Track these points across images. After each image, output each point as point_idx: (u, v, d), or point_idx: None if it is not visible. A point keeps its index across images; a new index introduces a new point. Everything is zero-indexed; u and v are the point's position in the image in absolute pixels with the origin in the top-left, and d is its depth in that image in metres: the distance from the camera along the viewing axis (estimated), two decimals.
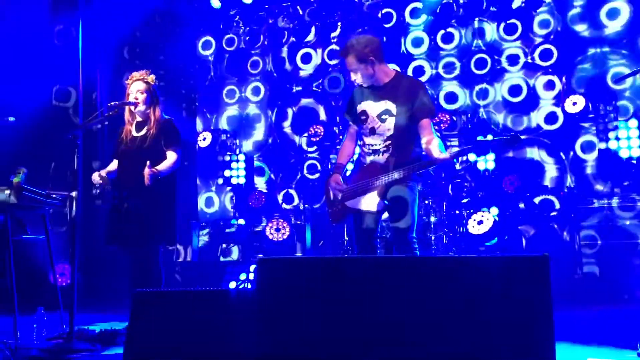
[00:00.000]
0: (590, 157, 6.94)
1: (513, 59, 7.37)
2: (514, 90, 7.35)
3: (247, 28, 8.46)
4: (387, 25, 7.79)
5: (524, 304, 2.09)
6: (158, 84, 4.26)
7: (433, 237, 5.87)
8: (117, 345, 3.66)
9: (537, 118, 7.25)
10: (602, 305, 5.28)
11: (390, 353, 2.09)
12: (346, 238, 6.41)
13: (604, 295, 5.62)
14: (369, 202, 3.61)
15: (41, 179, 4.75)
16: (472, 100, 7.47)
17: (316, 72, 8.21)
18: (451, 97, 7.55)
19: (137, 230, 3.97)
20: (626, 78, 5.61)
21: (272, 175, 8.28)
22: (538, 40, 7.29)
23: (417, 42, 7.75)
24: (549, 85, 7.24)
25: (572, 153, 7.07)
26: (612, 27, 6.93)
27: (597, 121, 6.63)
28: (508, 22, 7.37)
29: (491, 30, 7.49)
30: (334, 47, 8.09)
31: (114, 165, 4.31)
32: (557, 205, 6.60)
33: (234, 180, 8.02)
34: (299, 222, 7.35)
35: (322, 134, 7.76)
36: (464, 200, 6.40)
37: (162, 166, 4.02)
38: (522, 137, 3.40)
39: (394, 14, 7.78)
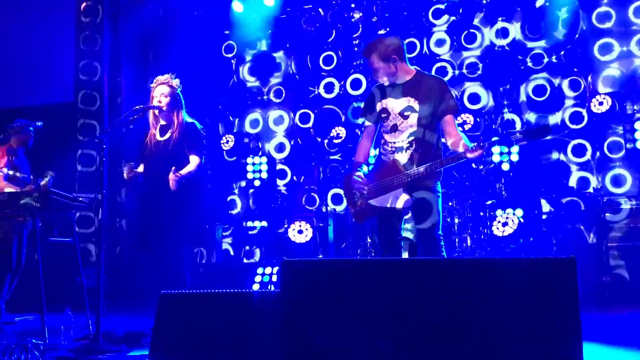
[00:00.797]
0: (617, 157, 6.83)
1: (537, 59, 7.28)
2: (539, 90, 7.26)
3: (269, 31, 8.49)
4: (408, 27, 7.76)
5: (551, 307, 2.06)
6: (182, 87, 4.30)
7: (457, 239, 5.83)
8: (142, 347, 3.69)
9: (562, 118, 7.15)
10: (630, 307, 5.19)
11: (416, 356, 2.08)
12: (369, 240, 6.40)
13: (631, 297, 5.52)
14: (395, 199, 3.59)
15: (68, 182, 4.83)
16: (495, 101, 7.40)
17: (338, 73, 8.21)
18: (474, 98, 7.48)
19: (162, 233, 4.01)
20: None
21: (294, 177, 8.29)
22: (562, 39, 7.19)
23: (440, 43, 7.71)
24: (574, 85, 7.14)
25: (598, 153, 6.96)
26: None
27: (623, 121, 6.52)
28: (531, 21, 7.29)
29: (515, 30, 7.41)
30: (355, 48, 8.09)
31: (140, 168, 4.36)
32: (583, 207, 6.50)
33: (256, 183, 8.06)
34: (321, 224, 7.34)
35: (344, 135, 7.75)
36: (489, 202, 6.34)
37: (185, 170, 4.06)
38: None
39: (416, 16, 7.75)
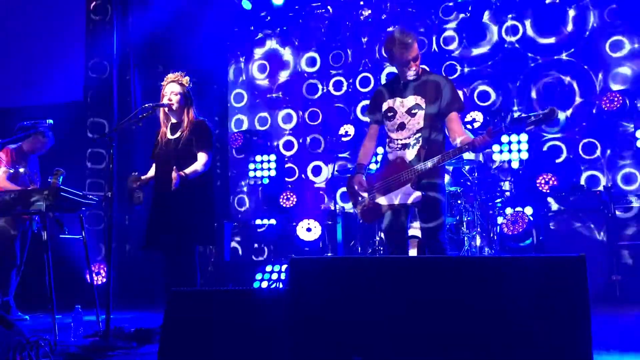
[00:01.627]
0: (628, 155, 6.78)
1: (547, 56, 7.25)
2: (549, 87, 7.22)
3: (278, 29, 8.50)
4: (418, 24, 7.74)
5: (560, 306, 2.05)
6: (192, 85, 4.31)
7: (466, 238, 5.81)
8: (152, 344, 3.71)
9: (572, 116, 7.11)
10: None
11: (424, 355, 2.08)
12: (377, 238, 6.39)
13: None
14: (403, 196, 3.59)
15: (78, 180, 4.86)
16: (505, 99, 7.37)
17: (347, 71, 8.20)
18: (484, 96, 7.45)
19: (174, 232, 4.02)
20: None
21: (303, 175, 8.30)
22: (572, 36, 7.15)
23: (449, 41, 7.68)
24: (585, 82, 7.10)
25: (609, 151, 6.92)
26: None
27: (634, 118, 6.47)
28: (541, 18, 7.25)
29: (524, 27, 7.37)
30: (364, 46, 8.08)
31: (153, 170, 4.36)
32: (593, 205, 6.45)
33: (265, 181, 8.08)
34: (329, 222, 7.35)
35: (352, 134, 7.75)
36: (498, 200, 6.31)
37: (192, 169, 4.04)
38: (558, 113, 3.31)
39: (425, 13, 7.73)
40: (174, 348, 2.52)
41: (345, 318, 2.16)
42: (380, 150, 5.62)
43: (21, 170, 5.02)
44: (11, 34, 7.38)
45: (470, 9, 7.53)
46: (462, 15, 7.59)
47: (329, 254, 6.98)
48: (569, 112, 7.12)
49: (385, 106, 3.75)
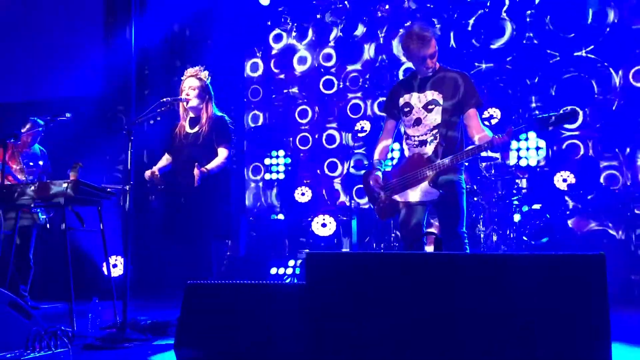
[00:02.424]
0: None
1: (567, 53, 7.16)
2: (568, 84, 7.14)
3: (295, 24, 8.49)
4: (435, 20, 7.70)
5: (579, 305, 2.03)
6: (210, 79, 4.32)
7: (482, 235, 5.78)
8: (168, 336, 3.74)
9: (591, 113, 7.03)
10: None
11: (441, 351, 2.07)
12: (392, 234, 6.38)
13: None
14: (420, 193, 3.57)
15: (96, 174, 4.90)
16: (523, 95, 7.30)
17: (363, 67, 8.18)
18: (502, 92, 7.39)
19: (192, 225, 4.05)
20: None
21: (318, 171, 8.30)
22: (592, 32, 7.06)
23: (467, 37, 7.63)
24: (604, 79, 7.01)
25: (628, 149, 6.83)
26: None
27: None
28: (561, 14, 7.17)
29: (544, 23, 7.29)
30: (381, 41, 8.06)
31: (164, 160, 4.40)
32: (611, 203, 6.38)
33: (280, 176, 8.10)
34: (344, 218, 7.35)
35: (368, 129, 7.74)
36: (514, 198, 6.27)
37: (213, 164, 4.09)
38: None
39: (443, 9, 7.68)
40: (189, 340, 2.54)
41: (361, 313, 2.16)
42: (396, 146, 5.60)
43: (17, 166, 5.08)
44: (33, 29, 7.45)
45: (488, 4, 7.47)
46: (480, 11, 7.52)
47: (345, 250, 6.97)
48: (588, 109, 7.04)
49: (401, 101, 3.73)
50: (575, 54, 7.12)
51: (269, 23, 8.65)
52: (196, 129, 4.24)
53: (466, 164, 3.74)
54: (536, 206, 6.18)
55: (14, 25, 7.49)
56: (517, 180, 6.62)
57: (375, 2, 8.08)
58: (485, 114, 6.93)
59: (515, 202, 6.30)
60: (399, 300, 2.14)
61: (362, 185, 3.96)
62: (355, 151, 8.01)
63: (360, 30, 8.18)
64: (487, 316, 2.08)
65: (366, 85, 8.12)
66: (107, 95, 7.32)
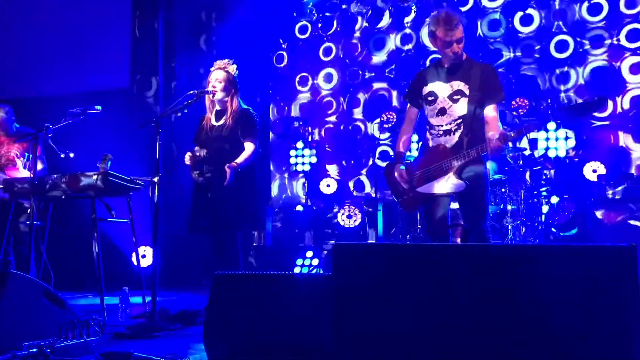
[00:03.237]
0: None
1: (597, 41, 7.02)
2: (598, 73, 7.00)
3: (320, 15, 8.47)
4: (463, 9, 7.61)
5: (609, 297, 2.00)
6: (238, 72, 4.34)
7: (510, 226, 5.72)
8: (196, 325, 3.79)
9: (622, 102, 6.89)
10: None
11: (469, 345, 2.06)
12: (418, 226, 6.35)
13: None
14: (445, 184, 3.53)
15: (125, 165, 4.97)
16: (552, 85, 7.19)
17: (389, 57, 8.13)
18: (530, 81, 7.28)
19: (219, 217, 4.09)
20: None
21: (344, 162, 8.29)
22: (622, 20, 6.90)
23: (494, 25, 7.52)
24: (635, 67, 6.86)
25: None
26: None
27: None
28: (592, 1, 7.02)
29: (573, 11, 7.16)
30: (407, 31, 7.99)
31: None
32: None
33: (306, 167, 8.12)
34: (370, 209, 7.34)
35: (394, 120, 7.69)
36: (543, 189, 6.19)
37: (241, 158, 4.13)
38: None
39: None
40: (217, 329, 2.57)
41: (388, 305, 2.16)
42: (414, 137, 5.57)
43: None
44: (60, 23, 7.56)
45: None
46: None
47: (371, 241, 6.97)
48: (618, 98, 6.90)
49: (425, 90, 3.69)
50: (606, 41, 6.97)
51: (295, 14, 8.64)
52: (222, 121, 4.27)
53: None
54: (565, 197, 6.08)
55: (42, 19, 7.60)
56: (545, 171, 6.53)
57: None
58: (513, 104, 6.85)
59: (544, 194, 6.21)
60: (426, 292, 2.14)
61: (385, 177, 3.93)
62: (381, 142, 7.98)
63: (386, 20, 8.12)
64: (514, 307, 2.07)
65: (391, 76, 8.07)
66: (134, 88, 7.40)
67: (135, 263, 4.72)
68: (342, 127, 8.36)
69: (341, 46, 8.43)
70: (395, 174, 3.74)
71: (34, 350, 2.57)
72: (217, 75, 4.26)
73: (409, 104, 3.85)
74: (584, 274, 2.06)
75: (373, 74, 8.22)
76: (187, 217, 4.34)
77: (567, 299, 2.05)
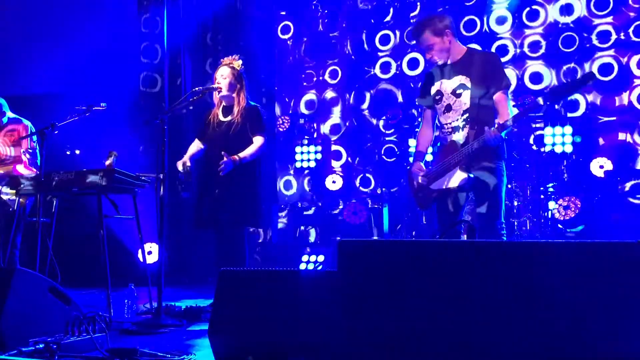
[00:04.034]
0: None
1: (604, 36, 6.97)
2: (605, 69, 6.95)
3: (326, 11, 8.45)
4: (468, 4, 7.56)
5: (617, 294, 1.99)
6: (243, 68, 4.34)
7: (516, 222, 5.70)
8: (202, 322, 3.80)
9: (629, 99, 6.84)
10: None
11: (476, 340, 2.06)
12: (424, 222, 6.34)
13: None
14: (452, 179, 3.55)
15: (131, 162, 4.98)
16: (559, 80, 7.14)
17: (395, 53, 8.10)
18: (537, 77, 7.24)
19: (225, 214, 4.10)
20: None
21: (349, 159, 8.28)
22: (632, 14, 6.85)
23: (501, 21, 7.48)
24: None
25: None
26: None
27: None
28: None
29: (580, 6, 7.11)
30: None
31: (194, 147, 4.44)
32: None
33: (311, 164, 8.11)
34: (376, 206, 7.32)
35: (400, 116, 7.67)
36: (549, 185, 6.15)
37: (248, 151, 4.13)
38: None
39: None
40: (223, 326, 2.57)
41: (394, 301, 2.15)
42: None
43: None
44: (63, 22, 7.57)
45: None
46: None
47: (376, 238, 6.96)
48: (625, 94, 6.85)
49: (433, 90, 3.73)
50: (613, 37, 6.92)
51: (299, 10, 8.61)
52: (229, 117, 4.27)
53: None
54: (572, 194, 6.04)
55: (50, 18, 7.61)
56: (552, 167, 6.49)
57: None
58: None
59: (551, 189, 6.19)
60: (433, 288, 2.13)
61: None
62: (387, 138, 7.96)
63: (391, 16, 8.08)
64: (523, 304, 2.05)
65: (397, 72, 8.04)
66: (140, 85, 7.41)
67: (141, 260, 4.71)
68: (347, 124, 8.34)
69: (347, 42, 8.39)
70: (413, 170, 3.79)
71: (41, 346, 2.58)
72: (222, 72, 4.26)
73: (423, 107, 3.90)
74: (593, 271, 2.05)
75: (379, 70, 8.17)
76: (192, 213, 4.35)
77: (578, 296, 2.03)
